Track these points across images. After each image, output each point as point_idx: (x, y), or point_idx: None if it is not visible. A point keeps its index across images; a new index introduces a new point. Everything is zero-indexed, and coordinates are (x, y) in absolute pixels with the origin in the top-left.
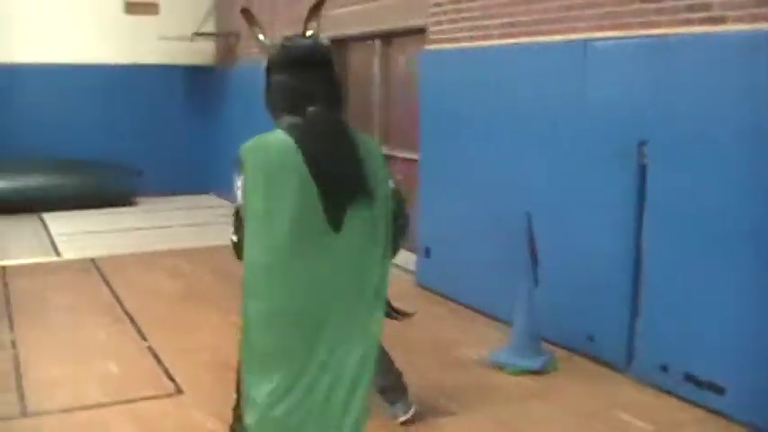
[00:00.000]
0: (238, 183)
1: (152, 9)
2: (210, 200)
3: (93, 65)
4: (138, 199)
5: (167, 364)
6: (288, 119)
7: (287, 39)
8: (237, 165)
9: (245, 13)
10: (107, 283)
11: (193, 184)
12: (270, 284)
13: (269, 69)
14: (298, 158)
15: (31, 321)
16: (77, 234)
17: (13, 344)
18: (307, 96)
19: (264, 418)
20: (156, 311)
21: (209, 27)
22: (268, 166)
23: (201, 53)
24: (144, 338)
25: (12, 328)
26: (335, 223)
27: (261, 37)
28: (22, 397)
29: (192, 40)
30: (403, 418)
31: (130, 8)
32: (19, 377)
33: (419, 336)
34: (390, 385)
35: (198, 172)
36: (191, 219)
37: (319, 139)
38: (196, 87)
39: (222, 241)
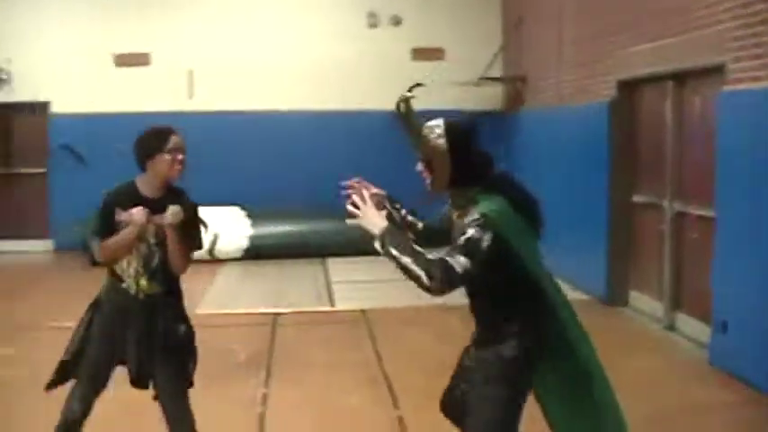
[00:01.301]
0: (488, 237)
1: (438, 54)
2: None
3: (378, 111)
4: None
5: None
6: (481, 185)
7: (449, 120)
8: (491, 227)
9: (406, 103)
10: (372, 339)
11: None
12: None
13: (456, 149)
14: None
15: (288, 376)
16: (355, 282)
17: (264, 400)
18: (490, 162)
19: None
20: (415, 376)
21: (496, 71)
22: (520, 228)
23: (489, 98)
24: (396, 406)
25: (267, 382)
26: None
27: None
28: None
29: (478, 84)
30: None
31: (417, 54)
32: None
33: (709, 427)
34: None
35: None
36: None
37: (527, 196)
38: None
39: None
